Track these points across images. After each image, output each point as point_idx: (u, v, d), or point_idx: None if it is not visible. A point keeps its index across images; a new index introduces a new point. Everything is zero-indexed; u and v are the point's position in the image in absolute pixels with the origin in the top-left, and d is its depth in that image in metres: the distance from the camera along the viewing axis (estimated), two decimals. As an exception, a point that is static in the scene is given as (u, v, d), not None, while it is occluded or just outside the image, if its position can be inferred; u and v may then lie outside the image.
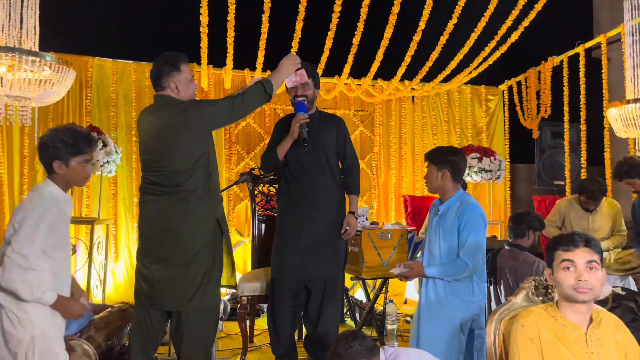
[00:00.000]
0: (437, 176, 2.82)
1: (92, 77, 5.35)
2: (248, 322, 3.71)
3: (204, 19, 3.93)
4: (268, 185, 3.96)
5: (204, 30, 3.98)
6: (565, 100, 5.38)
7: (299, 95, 3.09)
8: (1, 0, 2.91)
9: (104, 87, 5.41)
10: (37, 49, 2.92)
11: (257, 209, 3.94)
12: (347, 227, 3.18)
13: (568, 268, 1.84)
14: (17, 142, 4.99)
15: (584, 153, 5.17)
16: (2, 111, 2.81)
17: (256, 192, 3.94)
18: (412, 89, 5.87)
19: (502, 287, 3.26)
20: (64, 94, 3.06)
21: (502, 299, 3.26)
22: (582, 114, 5.16)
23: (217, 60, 5.15)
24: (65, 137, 2.16)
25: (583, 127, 5.19)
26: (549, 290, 2.18)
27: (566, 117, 5.41)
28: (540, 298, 2.16)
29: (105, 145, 4.60)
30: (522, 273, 2.99)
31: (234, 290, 4.47)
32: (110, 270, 5.23)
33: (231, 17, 4.02)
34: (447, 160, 2.81)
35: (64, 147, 2.15)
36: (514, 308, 2.15)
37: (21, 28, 2.96)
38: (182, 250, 2.55)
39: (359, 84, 5.79)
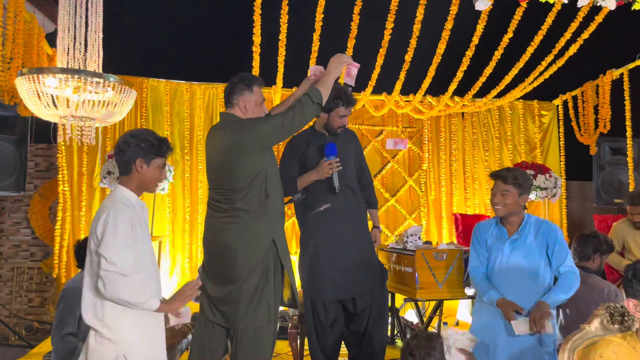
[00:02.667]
0: (519, 200, 2.75)
1: (147, 97, 5.53)
2: (298, 341, 3.66)
3: (257, 38, 3.98)
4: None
5: (256, 49, 4.02)
6: (627, 115, 5.13)
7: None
8: (67, 24, 3.03)
9: (157, 106, 5.58)
10: (100, 71, 3.02)
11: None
12: (375, 242, 3.22)
13: None
14: (77, 160, 5.21)
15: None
16: (68, 131, 2.93)
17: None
18: (463, 105, 5.75)
19: (567, 311, 3.09)
20: (125, 114, 3.15)
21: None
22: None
23: (266, 78, 5.20)
24: (149, 138, 2.13)
25: (650, 142, 4.95)
26: (625, 318, 2.05)
27: (629, 133, 5.16)
28: (616, 326, 2.04)
29: (159, 163, 4.72)
30: (591, 298, 2.83)
31: (281, 309, 4.43)
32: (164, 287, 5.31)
33: (283, 36, 4.06)
34: (530, 186, 2.78)
35: (148, 147, 2.12)
36: (588, 337, 2.04)
37: (85, 51, 3.07)
38: (235, 269, 2.54)
39: (408, 101, 5.72)
